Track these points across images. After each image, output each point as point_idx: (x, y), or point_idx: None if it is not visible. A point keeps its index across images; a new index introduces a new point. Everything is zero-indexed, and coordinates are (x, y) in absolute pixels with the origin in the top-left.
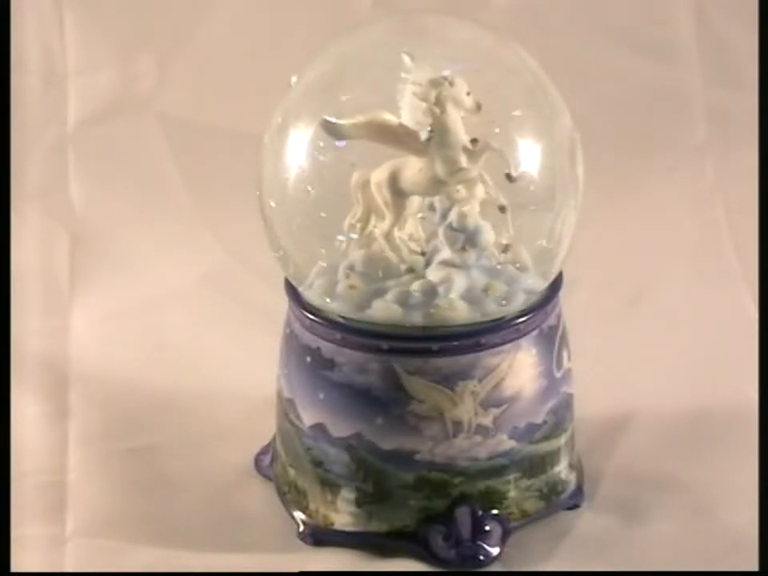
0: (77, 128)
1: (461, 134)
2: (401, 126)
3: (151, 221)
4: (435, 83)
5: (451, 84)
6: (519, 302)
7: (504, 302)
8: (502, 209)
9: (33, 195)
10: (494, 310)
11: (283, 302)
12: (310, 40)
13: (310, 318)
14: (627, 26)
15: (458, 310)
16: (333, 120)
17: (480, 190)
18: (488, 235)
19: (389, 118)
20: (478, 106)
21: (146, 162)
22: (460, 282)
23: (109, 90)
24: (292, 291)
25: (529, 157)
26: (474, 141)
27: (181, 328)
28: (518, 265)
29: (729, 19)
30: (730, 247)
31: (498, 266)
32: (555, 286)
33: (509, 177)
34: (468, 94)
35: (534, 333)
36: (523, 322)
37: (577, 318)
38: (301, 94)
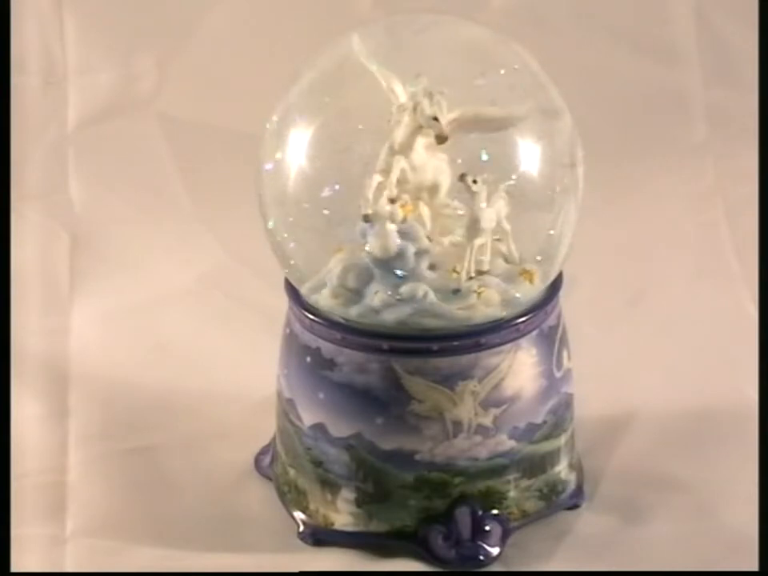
0: (77, 128)
1: (400, 145)
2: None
3: (151, 221)
4: (415, 93)
5: (425, 97)
6: (391, 316)
7: (377, 311)
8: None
9: (33, 195)
10: (363, 311)
11: (283, 302)
12: (310, 40)
13: (310, 318)
14: (627, 25)
15: (327, 299)
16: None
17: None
18: (378, 243)
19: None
20: (442, 137)
21: (146, 162)
22: (343, 275)
23: (109, 89)
24: (292, 291)
25: (529, 157)
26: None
27: (181, 328)
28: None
29: (729, 19)
30: (729, 247)
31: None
32: (555, 286)
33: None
34: (435, 119)
35: (534, 333)
36: (523, 322)
37: (577, 318)
38: (301, 92)
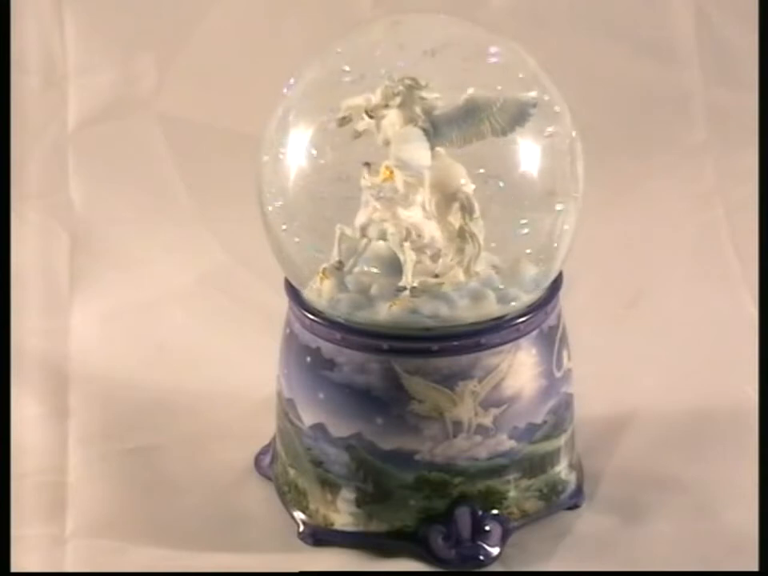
0: (77, 128)
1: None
2: None
3: (151, 221)
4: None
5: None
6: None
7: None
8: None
9: (33, 195)
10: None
11: (283, 302)
12: (310, 40)
13: (310, 318)
14: (627, 25)
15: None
16: None
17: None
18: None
19: None
20: (355, 132)
21: (146, 161)
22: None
23: (109, 89)
24: (292, 291)
25: (529, 157)
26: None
27: (181, 328)
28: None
29: (729, 19)
30: (729, 247)
31: None
32: (555, 286)
33: None
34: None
35: (534, 333)
36: (523, 322)
37: (577, 318)
38: (301, 93)
